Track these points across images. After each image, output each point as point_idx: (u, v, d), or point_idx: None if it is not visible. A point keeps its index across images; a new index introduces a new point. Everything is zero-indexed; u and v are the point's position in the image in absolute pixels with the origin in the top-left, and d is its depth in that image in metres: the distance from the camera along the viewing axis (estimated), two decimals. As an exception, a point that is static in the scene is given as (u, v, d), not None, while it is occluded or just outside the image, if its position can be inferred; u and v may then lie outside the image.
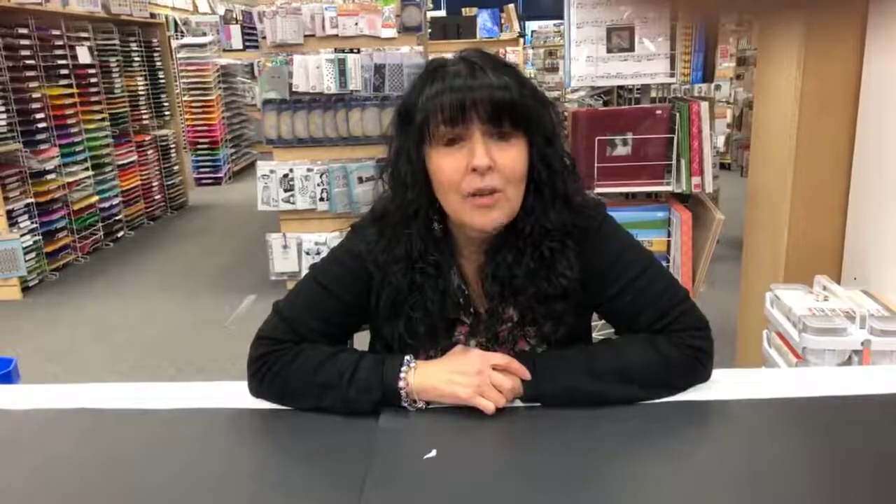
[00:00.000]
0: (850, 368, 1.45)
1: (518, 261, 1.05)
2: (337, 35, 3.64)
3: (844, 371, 1.38)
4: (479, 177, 0.97)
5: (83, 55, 4.85)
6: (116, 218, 5.29)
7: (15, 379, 1.96)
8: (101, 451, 0.98)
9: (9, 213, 4.04)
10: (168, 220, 6.06)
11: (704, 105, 2.20)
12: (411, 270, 1.05)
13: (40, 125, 4.36)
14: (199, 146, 7.32)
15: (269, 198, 3.77)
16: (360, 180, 3.66)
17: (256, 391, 1.06)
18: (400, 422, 0.99)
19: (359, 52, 3.61)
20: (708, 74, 2.32)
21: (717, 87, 6.86)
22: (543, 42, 12.28)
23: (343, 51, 3.62)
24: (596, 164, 2.24)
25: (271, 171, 3.74)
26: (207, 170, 7.40)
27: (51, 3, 4.41)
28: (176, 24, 7.76)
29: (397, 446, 0.94)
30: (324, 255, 1.16)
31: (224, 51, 7.95)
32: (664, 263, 2.21)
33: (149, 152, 5.87)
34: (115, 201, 5.28)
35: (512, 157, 0.99)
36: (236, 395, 1.07)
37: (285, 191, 3.74)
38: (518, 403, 1.02)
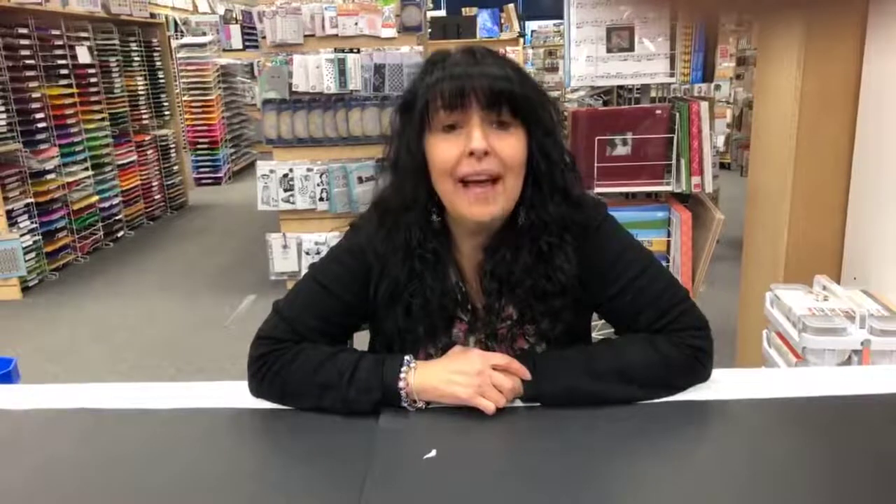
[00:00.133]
0: (850, 368, 1.45)
1: (516, 257, 1.05)
2: (337, 35, 3.64)
3: (844, 371, 1.38)
4: (476, 161, 0.97)
5: (83, 55, 4.85)
6: (116, 218, 5.29)
7: (15, 379, 1.96)
8: (101, 451, 0.98)
9: (8, 213, 4.04)
10: (168, 220, 6.06)
11: (704, 105, 2.20)
12: (410, 258, 1.05)
13: (40, 125, 4.36)
14: (199, 146, 7.32)
15: (268, 198, 3.77)
16: (360, 180, 3.66)
17: (256, 391, 1.06)
18: (400, 422, 0.99)
19: (359, 51, 3.61)
20: (708, 74, 2.32)
21: (717, 87, 6.86)
22: (543, 42, 12.28)
23: (343, 51, 3.62)
24: (596, 164, 2.24)
25: (271, 171, 3.74)
26: (207, 170, 7.39)
27: (50, 2, 4.41)
28: (176, 23, 7.76)
29: (397, 446, 0.94)
30: (323, 254, 1.16)
31: (224, 51, 7.96)
32: (664, 263, 2.21)
33: (148, 152, 5.87)
34: (115, 201, 5.28)
35: (511, 144, 0.99)
36: (236, 395, 1.07)
37: (285, 191, 3.74)
38: (518, 403, 1.02)
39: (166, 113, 6.22)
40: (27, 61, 4.28)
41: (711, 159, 2.22)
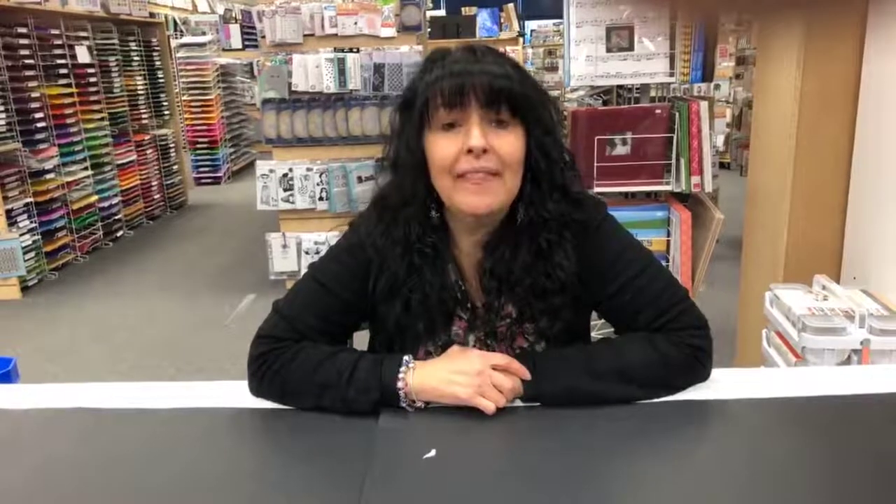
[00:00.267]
0: (850, 368, 1.45)
1: (515, 255, 1.05)
2: (336, 34, 3.64)
3: (844, 370, 1.38)
4: (475, 158, 0.97)
5: (82, 55, 4.85)
6: (116, 217, 5.29)
7: (14, 379, 1.96)
8: (100, 450, 0.98)
9: (8, 212, 4.03)
10: (167, 220, 6.06)
11: (704, 104, 2.20)
12: (409, 253, 1.05)
13: (39, 125, 4.36)
14: (199, 145, 7.31)
15: (268, 197, 3.77)
16: (360, 180, 3.66)
17: (257, 390, 1.06)
18: (400, 422, 0.99)
19: (358, 51, 3.61)
20: (707, 74, 2.32)
21: (717, 87, 6.85)
22: (543, 41, 12.27)
23: (342, 50, 3.62)
24: (595, 164, 2.24)
25: (271, 171, 3.73)
26: (207, 169, 7.39)
27: (50, 2, 4.40)
28: (175, 23, 7.76)
29: (397, 446, 0.94)
30: (323, 254, 1.16)
31: (223, 50, 7.95)
32: (664, 263, 2.21)
33: (148, 152, 5.87)
34: (115, 201, 5.27)
35: (510, 142, 0.99)
36: (236, 394, 1.07)
37: (285, 190, 3.74)
38: (518, 403, 1.02)
39: (166, 112, 6.22)
40: (26, 61, 4.28)
41: (711, 159, 2.23)
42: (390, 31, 3.63)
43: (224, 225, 5.78)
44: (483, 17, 8.22)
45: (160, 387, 1.13)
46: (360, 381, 1.00)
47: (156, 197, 6.00)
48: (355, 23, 3.62)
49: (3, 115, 4.06)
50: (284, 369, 1.03)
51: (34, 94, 4.32)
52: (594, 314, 1.18)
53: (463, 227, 1.08)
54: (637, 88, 2.86)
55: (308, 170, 3.71)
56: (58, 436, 1.02)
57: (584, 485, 0.85)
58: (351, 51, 3.61)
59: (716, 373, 1.07)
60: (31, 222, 4.22)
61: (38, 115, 4.34)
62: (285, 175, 3.72)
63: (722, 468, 0.89)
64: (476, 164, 0.98)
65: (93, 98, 5.01)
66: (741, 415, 1.01)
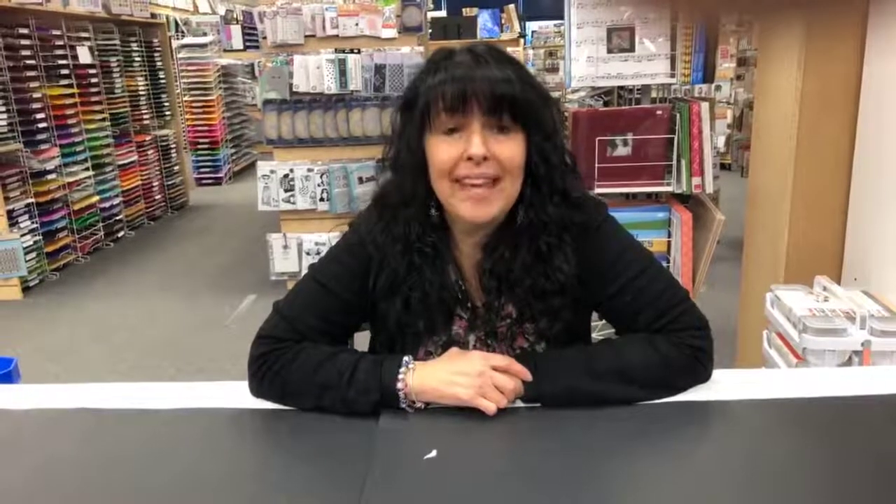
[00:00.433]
0: (851, 369, 1.45)
1: (515, 255, 1.05)
2: (337, 35, 3.64)
3: (844, 371, 1.38)
4: (475, 165, 0.98)
5: (84, 55, 4.85)
6: (117, 218, 5.29)
7: (15, 379, 1.96)
8: (101, 451, 0.98)
9: (9, 213, 4.04)
10: (168, 220, 6.06)
11: (705, 105, 2.20)
12: (409, 252, 1.06)
13: (41, 125, 4.36)
14: (200, 146, 7.32)
15: (269, 198, 3.77)
16: (361, 180, 3.66)
17: (257, 390, 1.06)
18: (400, 422, 0.99)
19: (359, 52, 3.61)
20: (708, 75, 2.32)
21: (718, 88, 6.86)
22: (544, 42, 12.29)
23: (343, 51, 3.62)
24: (596, 165, 2.24)
25: (272, 172, 3.74)
26: (208, 170, 7.40)
27: (51, 3, 4.41)
28: (176, 24, 7.77)
29: (397, 447, 0.94)
30: (323, 254, 1.16)
31: (224, 51, 7.95)
32: (664, 264, 2.21)
33: (149, 152, 5.87)
34: (116, 201, 5.28)
35: (510, 148, 1.00)
36: (237, 395, 1.07)
37: (286, 191, 3.74)
38: (518, 404, 1.02)
39: (167, 113, 6.23)
40: (28, 61, 4.28)
41: (712, 160, 2.23)
42: (391, 32, 3.63)
43: (225, 225, 5.78)
44: (484, 18, 8.22)
45: (161, 387, 1.13)
46: (360, 382, 1.00)
47: (157, 197, 6.00)
48: (356, 24, 3.62)
49: (5, 116, 4.06)
50: (285, 370, 1.03)
51: (35, 95, 4.32)
52: (594, 315, 1.18)
53: (462, 228, 1.09)
54: (638, 89, 2.87)
55: (309, 170, 3.71)
56: (59, 436, 1.02)
57: (584, 485, 0.85)
58: (352, 52, 3.61)
59: (716, 373, 1.07)
60: (33, 223, 4.22)
61: (40, 115, 4.35)
62: (286, 176, 3.72)
63: (722, 469, 0.89)
64: (476, 170, 0.98)
65: (94, 99, 5.01)
66: (742, 416, 1.01)
